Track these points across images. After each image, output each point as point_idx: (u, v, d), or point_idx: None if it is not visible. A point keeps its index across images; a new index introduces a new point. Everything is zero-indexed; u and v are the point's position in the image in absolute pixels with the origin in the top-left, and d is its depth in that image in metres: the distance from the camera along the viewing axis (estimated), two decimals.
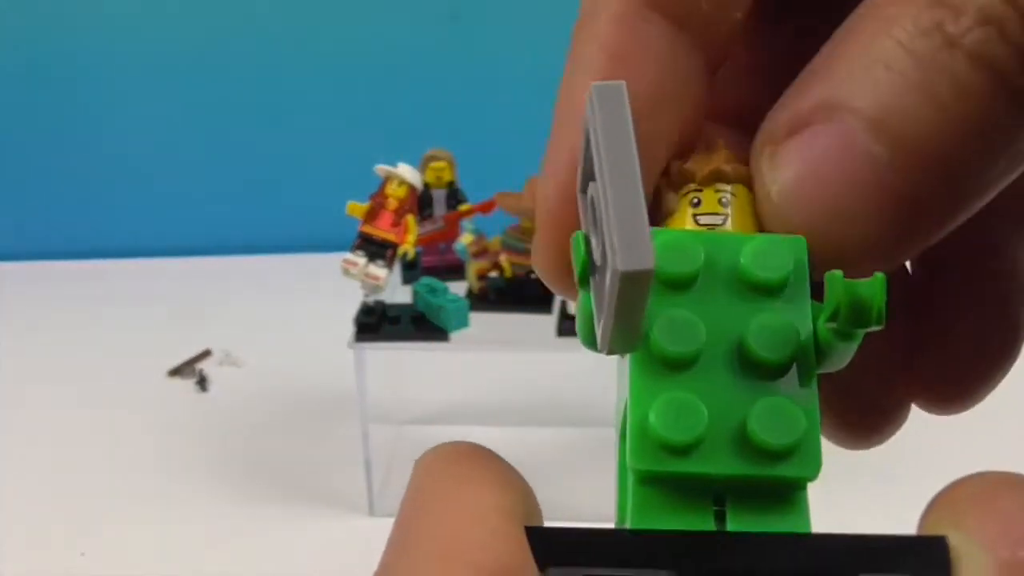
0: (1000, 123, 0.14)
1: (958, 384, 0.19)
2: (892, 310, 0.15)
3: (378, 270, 0.55)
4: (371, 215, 0.56)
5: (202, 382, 0.68)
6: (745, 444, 0.15)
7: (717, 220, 0.17)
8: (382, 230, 0.56)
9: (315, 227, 0.84)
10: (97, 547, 0.53)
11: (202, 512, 0.56)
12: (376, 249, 0.56)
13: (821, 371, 0.16)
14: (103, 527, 0.55)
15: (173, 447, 0.62)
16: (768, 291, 0.16)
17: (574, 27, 0.18)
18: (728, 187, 0.17)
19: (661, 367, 0.15)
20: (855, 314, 0.14)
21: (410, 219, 0.57)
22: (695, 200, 0.17)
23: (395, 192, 0.57)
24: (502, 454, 0.15)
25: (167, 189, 0.92)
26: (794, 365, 0.15)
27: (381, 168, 0.57)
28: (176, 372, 0.70)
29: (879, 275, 0.14)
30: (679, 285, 0.16)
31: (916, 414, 0.20)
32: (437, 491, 0.13)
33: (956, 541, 0.12)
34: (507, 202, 0.58)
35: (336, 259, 0.56)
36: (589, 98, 0.14)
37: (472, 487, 0.13)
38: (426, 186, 0.59)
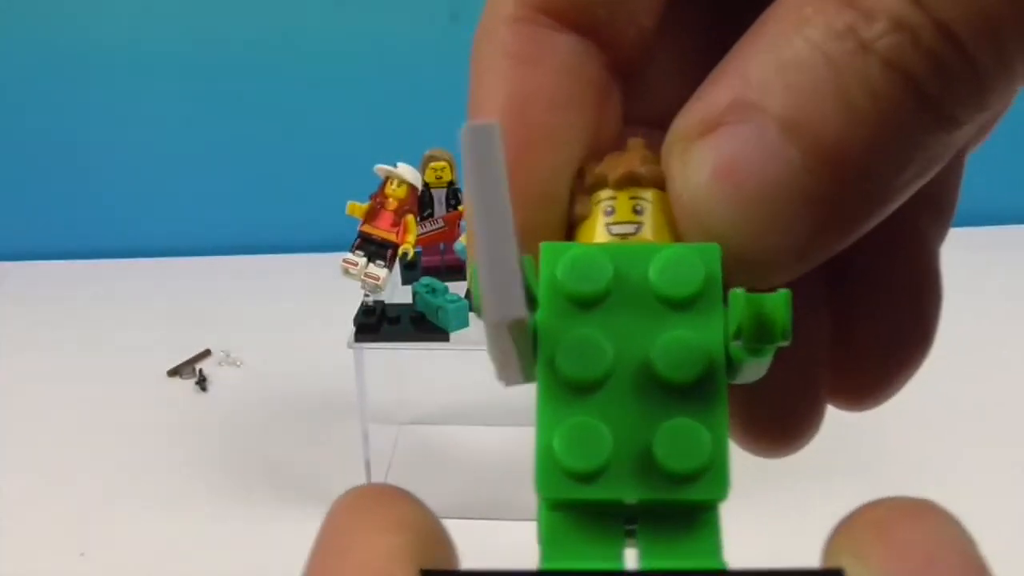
0: (912, 128, 0.14)
1: (871, 380, 0.19)
2: (807, 308, 0.15)
3: (378, 270, 0.55)
4: (371, 215, 0.56)
5: (202, 382, 0.68)
6: (651, 468, 0.14)
7: (630, 229, 0.16)
8: (382, 230, 0.56)
9: (315, 227, 0.85)
10: (97, 547, 0.53)
11: (202, 512, 0.56)
12: (376, 249, 0.56)
13: (737, 383, 0.15)
14: (103, 527, 0.55)
15: (173, 447, 0.62)
16: (678, 305, 0.15)
17: (474, 36, 0.18)
18: (644, 192, 0.17)
19: (567, 391, 0.15)
20: (759, 331, 0.14)
21: (410, 219, 0.57)
22: (608, 208, 0.17)
23: (395, 192, 0.57)
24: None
25: (167, 189, 0.92)
26: (702, 383, 0.15)
27: (381, 168, 0.57)
28: (176, 372, 0.70)
29: (783, 291, 0.14)
30: (587, 303, 0.15)
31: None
32: (333, 539, 0.13)
33: (856, 573, 0.12)
34: None
35: (336, 259, 0.56)
36: (461, 138, 0.13)
37: (364, 534, 0.13)
38: (426, 186, 0.59)
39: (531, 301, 0.15)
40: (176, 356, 0.71)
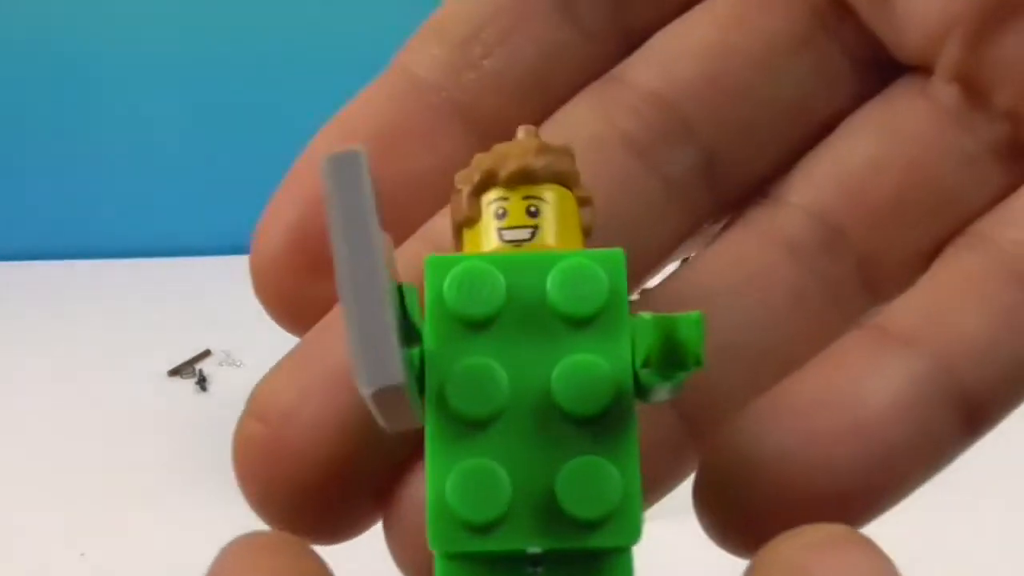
0: None
1: None
2: None
3: None
4: None
5: (202, 382, 0.68)
6: (555, 514, 0.13)
7: (524, 235, 0.14)
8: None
9: None
10: (97, 547, 0.53)
11: (202, 512, 0.56)
12: None
13: (648, 404, 0.14)
14: (103, 527, 0.55)
15: (173, 447, 0.62)
16: (580, 323, 0.14)
17: None
18: (540, 190, 0.15)
19: (459, 428, 0.13)
20: (670, 358, 0.13)
21: None
22: (499, 211, 0.15)
23: None
24: None
25: (167, 189, 0.92)
26: (609, 413, 0.13)
27: None
28: (176, 372, 0.70)
29: (695, 313, 0.13)
30: (478, 326, 0.14)
31: None
32: None
33: None
34: None
35: None
36: (322, 168, 0.12)
37: None
38: None
39: (415, 336, 0.13)
40: (176, 356, 0.71)
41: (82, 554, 0.53)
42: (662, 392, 0.14)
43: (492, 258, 0.14)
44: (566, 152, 0.15)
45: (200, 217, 0.92)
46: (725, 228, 0.18)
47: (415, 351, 0.14)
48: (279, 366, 0.16)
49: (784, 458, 0.14)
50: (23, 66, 0.88)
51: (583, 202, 0.15)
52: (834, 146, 0.17)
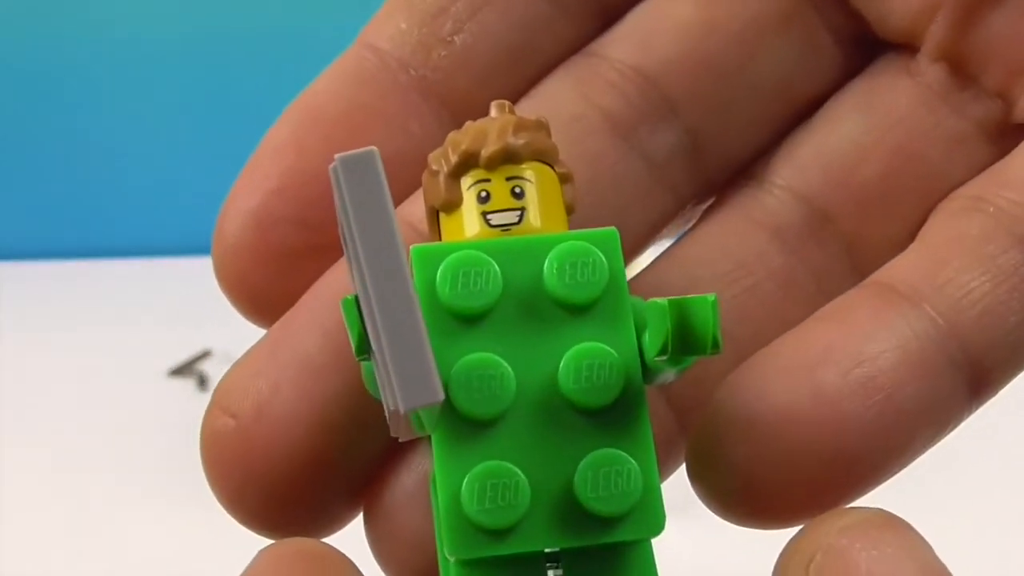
0: None
1: None
2: None
3: None
4: None
5: (202, 382, 0.68)
6: (575, 511, 0.13)
7: (512, 218, 0.14)
8: None
9: None
10: (97, 547, 0.53)
11: (202, 512, 0.55)
12: None
13: (650, 386, 0.14)
14: (103, 527, 0.55)
15: (173, 447, 0.62)
16: (580, 310, 0.13)
17: None
18: (522, 169, 0.14)
19: (467, 429, 0.13)
20: (687, 346, 0.12)
21: None
22: (483, 193, 0.14)
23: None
24: None
25: (167, 189, 0.92)
26: (621, 402, 0.13)
27: None
28: (176, 372, 0.70)
29: (710, 296, 0.12)
30: (476, 319, 0.13)
31: None
32: None
33: None
34: None
35: None
36: (333, 172, 0.11)
37: None
38: None
39: None
40: (176, 356, 0.71)
41: (82, 554, 0.53)
42: (669, 375, 0.13)
43: (483, 245, 0.13)
44: (542, 126, 0.15)
45: (200, 217, 0.92)
46: (709, 210, 0.17)
47: None
48: (247, 357, 0.16)
49: (789, 415, 0.14)
50: (23, 66, 0.88)
51: (565, 179, 0.15)
52: (818, 127, 0.17)
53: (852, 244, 0.16)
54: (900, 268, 0.16)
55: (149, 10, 0.87)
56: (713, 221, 0.17)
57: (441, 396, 0.11)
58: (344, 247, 0.12)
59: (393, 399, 0.11)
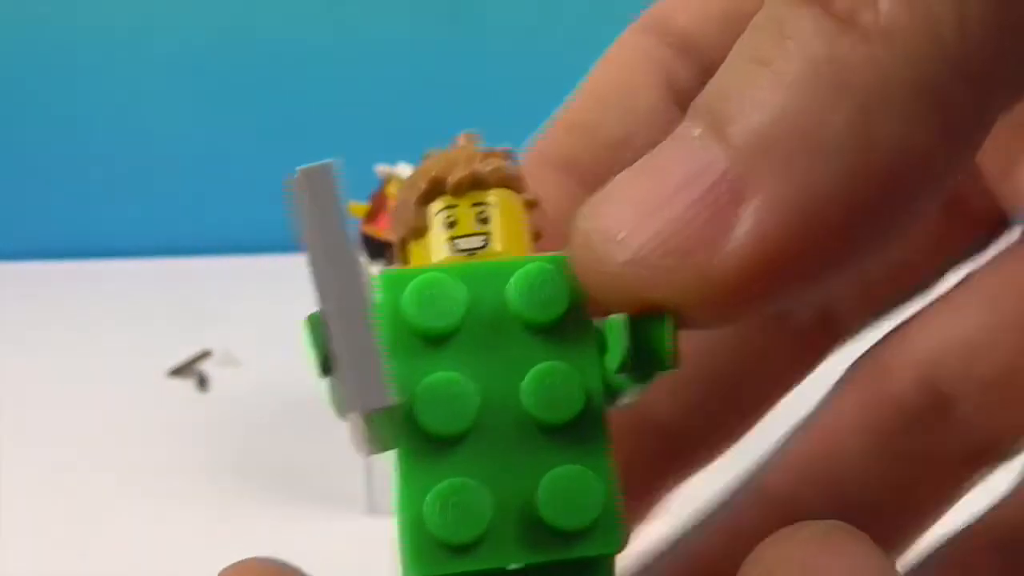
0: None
1: None
2: None
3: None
4: (371, 215, 0.56)
5: (202, 382, 0.68)
6: (537, 527, 0.13)
7: (477, 243, 0.14)
8: (382, 230, 0.56)
9: None
10: (97, 547, 0.53)
11: (202, 512, 0.56)
12: (376, 249, 0.56)
13: (614, 408, 0.14)
14: (103, 527, 0.55)
15: (173, 447, 0.62)
16: (544, 330, 0.13)
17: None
18: (487, 196, 0.14)
19: (431, 446, 0.13)
20: (645, 362, 0.13)
21: None
22: (450, 219, 0.14)
23: (395, 192, 0.57)
24: None
25: (167, 188, 0.92)
26: (582, 419, 0.13)
27: (381, 168, 0.57)
28: (176, 372, 0.70)
29: (667, 315, 0.12)
30: (439, 340, 0.13)
31: None
32: None
33: None
34: None
35: None
36: (293, 183, 0.11)
37: None
38: None
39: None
40: (176, 356, 0.71)
41: (82, 554, 0.53)
42: (631, 394, 0.13)
43: (448, 268, 0.14)
44: (508, 156, 0.15)
45: (200, 217, 0.92)
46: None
47: None
48: None
49: None
50: (24, 66, 0.88)
51: (530, 205, 0.15)
52: (945, 308, 0.17)
53: (972, 432, 0.16)
54: None
55: (149, 11, 0.87)
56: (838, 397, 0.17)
57: (391, 401, 0.11)
58: (307, 260, 0.12)
59: (345, 403, 0.11)
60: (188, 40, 0.87)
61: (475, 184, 0.14)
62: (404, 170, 0.57)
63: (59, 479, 0.59)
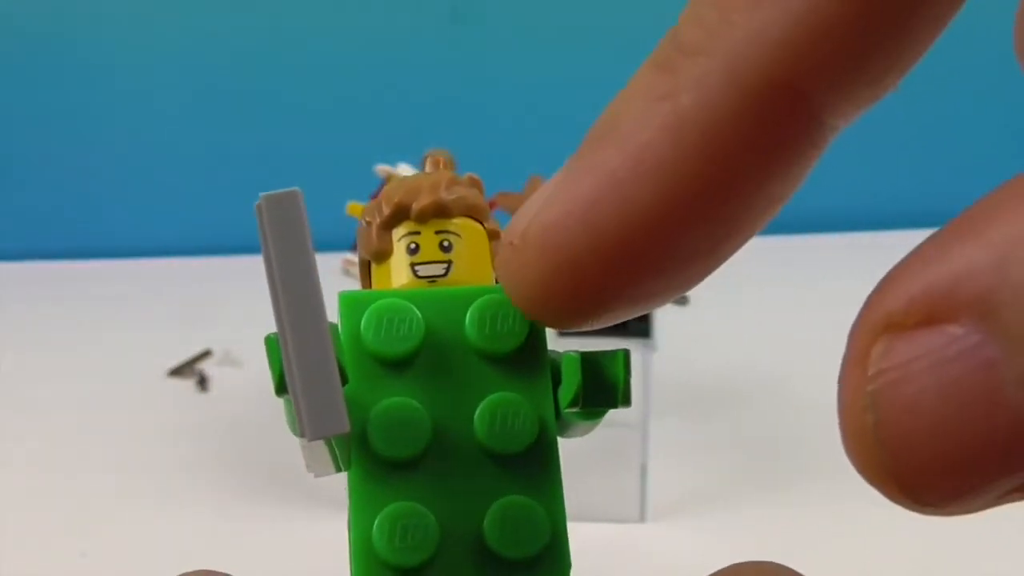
0: None
1: None
2: None
3: None
4: None
5: (202, 382, 0.68)
6: (484, 554, 0.13)
7: (439, 271, 0.14)
8: None
9: (315, 227, 0.84)
10: (97, 547, 0.53)
11: (202, 512, 0.56)
12: None
13: (564, 437, 0.14)
14: (103, 527, 0.55)
15: (173, 447, 0.62)
16: (500, 360, 0.14)
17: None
18: (451, 224, 0.14)
19: (383, 470, 0.13)
20: (597, 398, 0.13)
21: None
22: (411, 245, 0.14)
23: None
24: None
25: (167, 189, 0.92)
26: (534, 450, 0.13)
27: (381, 168, 0.57)
28: (176, 372, 0.70)
29: (620, 351, 0.13)
30: (397, 364, 0.13)
31: None
32: None
33: None
34: (507, 202, 0.58)
35: (336, 259, 0.56)
36: (258, 209, 0.12)
37: None
38: None
39: (344, 377, 0.13)
40: (176, 356, 0.71)
41: (82, 554, 0.53)
42: (582, 427, 0.14)
43: (408, 294, 0.14)
44: (475, 184, 0.15)
45: (200, 217, 0.92)
46: None
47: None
48: None
49: None
50: (24, 66, 0.88)
51: (493, 235, 0.15)
52: None
53: None
54: None
55: (150, 11, 0.87)
56: None
57: (347, 427, 0.11)
58: (268, 283, 0.12)
59: (302, 427, 0.11)
60: (188, 40, 0.87)
61: (439, 212, 0.14)
62: (404, 170, 0.57)
63: (59, 479, 0.59)
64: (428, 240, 0.14)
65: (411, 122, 0.85)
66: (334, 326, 0.13)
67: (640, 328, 0.49)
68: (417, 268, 0.14)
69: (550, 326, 0.13)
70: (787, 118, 0.11)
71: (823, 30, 0.11)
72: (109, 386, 0.69)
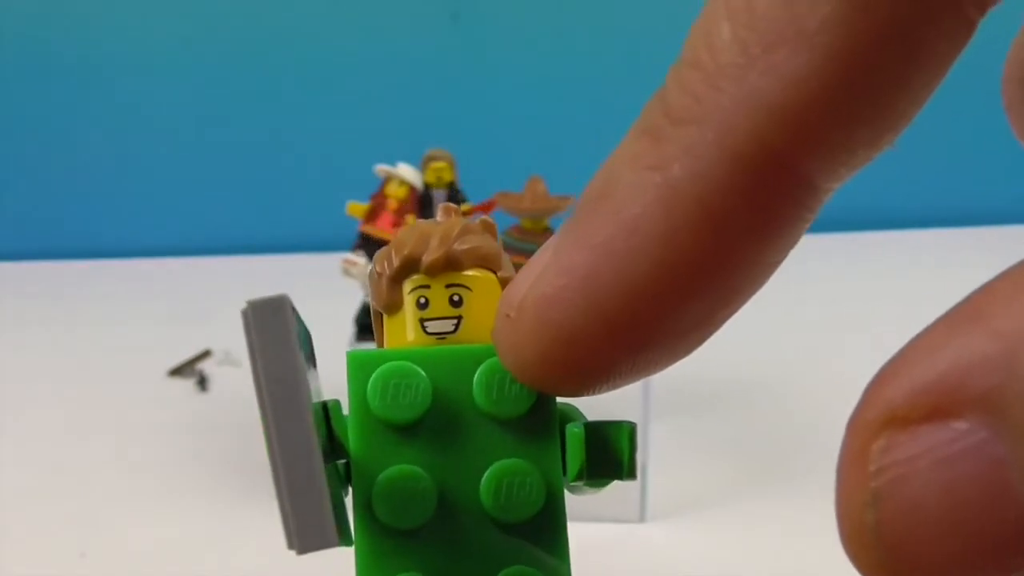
0: None
1: None
2: None
3: None
4: (371, 215, 0.56)
5: (202, 382, 0.68)
6: None
7: (448, 327, 0.14)
8: (382, 230, 0.56)
9: (315, 227, 0.85)
10: (97, 547, 0.53)
11: (202, 512, 0.56)
12: (376, 249, 0.56)
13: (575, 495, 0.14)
14: (103, 527, 0.55)
15: (173, 447, 0.62)
16: (507, 424, 0.13)
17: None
18: (463, 277, 0.14)
19: (388, 538, 0.13)
20: (602, 470, 0.13)
21: (410, 219, 0.57)
22: (421, 299, 0.14)
23: (395, 192, 0.57)
24: None
25: (167, 188, 0.92)
26: (540, 517, 0.13)
27: (381, 168, 0.57)
28: (176, 372, 0.70)
29: (626, 425, 0.13)
30: (403, 429, 0.13)
31: None
32: None
33: None
34: (507, 202, 0.58)
35: (336, 259, 0.55)
36: (244, 316, 0.11)
37: None
38: (426, 186, 0.59)
39: (341, 452, 0.13)
40: (176, 356, 0.71)
41: (82, 554, 0.53)
42: (587, 492, 0.14)
43: (415, 354, 0.14)
44: (488, 230, 0.15)
45: (201, 217, 0.92)
46: None
47: (340, 464, 0.14)
48: None
49: None
50: (24, 66, 0.88)
51: (506, 283, 0.14)
52: None
53: None
54: None
55: (150, 12, 0.87)
56: None
57: (336, 542, 0.11)
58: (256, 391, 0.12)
59: (290, 539, 0.11)
60: (189, 41, 0.87)
61: (449, 265, 0.14)
62: (404, 170, 0.57)
63: (59, 478, 0.59)
64: (438, 294, 0.14)
65: (411, 122, 0.85)
66: (338, 402, 0.13)
67: None
68: (426, 324, 0.14)
69: (547, 393, 0.13)
70: (780, 186, 0.11)
71: (814, 96, 0.10)
72: (109, 386, 0.69)
